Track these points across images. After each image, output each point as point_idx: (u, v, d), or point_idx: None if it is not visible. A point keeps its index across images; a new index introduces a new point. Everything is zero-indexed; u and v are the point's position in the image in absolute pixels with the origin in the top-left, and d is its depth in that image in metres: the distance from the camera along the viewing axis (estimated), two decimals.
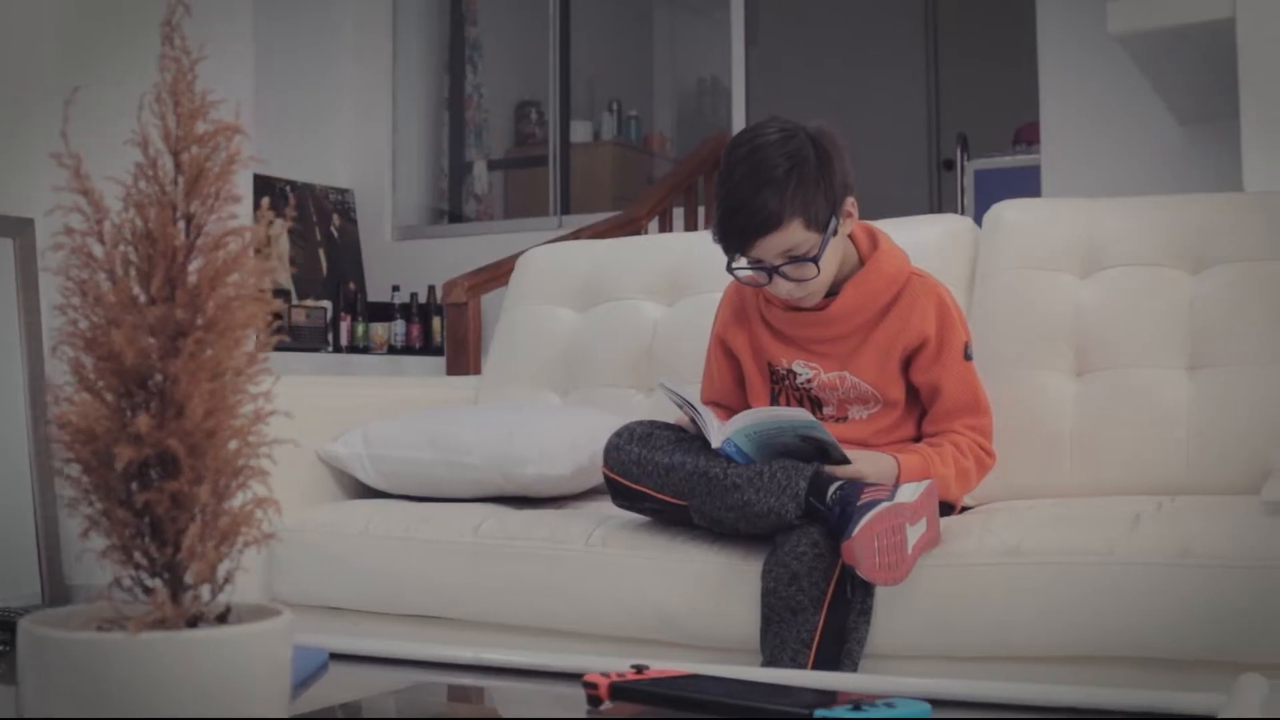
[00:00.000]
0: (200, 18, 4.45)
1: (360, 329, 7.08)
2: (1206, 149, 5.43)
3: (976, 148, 7.56)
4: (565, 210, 7.90)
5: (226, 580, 1.19)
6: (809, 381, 2.90)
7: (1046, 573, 2.45)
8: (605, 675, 1.57)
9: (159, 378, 1.16)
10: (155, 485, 1.13)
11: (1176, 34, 4.26)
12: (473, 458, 3.15)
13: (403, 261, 7.44)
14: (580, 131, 8.43)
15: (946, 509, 2.86)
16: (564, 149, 8.13)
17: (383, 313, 7.16)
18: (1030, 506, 2.86)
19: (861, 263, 2.90)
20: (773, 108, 8.62)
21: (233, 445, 1.18)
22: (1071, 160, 6.01)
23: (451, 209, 8.19)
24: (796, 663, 2.46)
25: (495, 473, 3.13)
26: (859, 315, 2.87)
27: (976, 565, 2.51)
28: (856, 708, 1.39)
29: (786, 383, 2.93)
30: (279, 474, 3.14)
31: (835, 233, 2.77)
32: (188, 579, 1.16)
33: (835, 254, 2.81)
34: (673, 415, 2.86)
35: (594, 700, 1.56)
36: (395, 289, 7.23)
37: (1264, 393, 2.99)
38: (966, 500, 3.07)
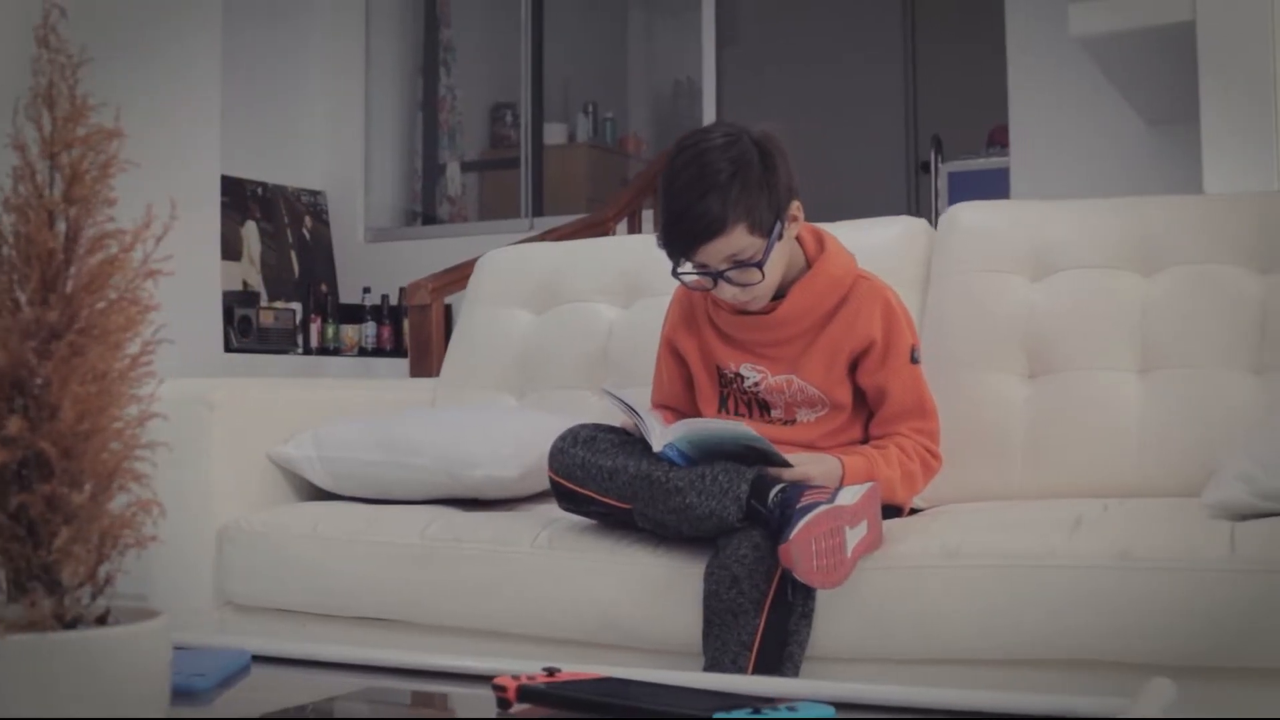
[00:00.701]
0: (167, 20, 4.46)
1: (331, 330, 7.07)
2: (1174, 150, 5.43)
3: (952, 150, 7.57)
4: (538, 212, 7.89)
5: (108, 582, 1.18)
6: (756, 385, 2.89)
7: (986, 575, 2.44)
8: (515, 678, 1.56)
9: (37, 381, 1.15)
10: (31, 488, 1.12)
11: (1138, 36, 4.27)
12: (421, 459, 3.14)
13: (375, 263, 7.43)
14: (554, 133, 8.42)
15: (894, 512, 2.85)
16: (536, 151, 8.12)
17: (353, 314, 7.16)
18: (974, 509, 2.86)
19: (808, 265, 2.89)
20: (749, 109, 8.66)
21: (115, 447, 1.16)
22: (1040, 162, 6.02)
23: (425, 211, 8.18)
24: (737, 665, 2.46)
25: (444, 475, 3.12)
26: (806, 318, 2.86)
27: (917, 568, 2.50)
28: (756, 711, 1.38)
29: (734, 386, 2.93)
30: (228, 476, 3.17)
31: (780, 237, 2.77)
32: (65, 581, 1.15)
33: (781, 258, 2.81)
34: (620, 419, 2.85)
35: (503, 703, 1.55)
36: (366, 291, 7.22)
37: (1214, 395, 2.99)
38: (917, 502, 3.07)
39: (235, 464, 3.29)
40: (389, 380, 5.36)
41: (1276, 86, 3.92)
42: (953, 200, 7.10)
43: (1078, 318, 3.15)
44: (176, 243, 4.55)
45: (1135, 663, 2.34)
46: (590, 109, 8.68)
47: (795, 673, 2.49)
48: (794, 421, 2.90)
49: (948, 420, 3.05)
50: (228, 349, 6.12)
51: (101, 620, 1.19)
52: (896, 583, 2.51)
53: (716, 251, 2.72)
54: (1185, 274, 3.10)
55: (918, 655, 2.49)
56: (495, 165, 8.44)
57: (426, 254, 6.75)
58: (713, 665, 2.49)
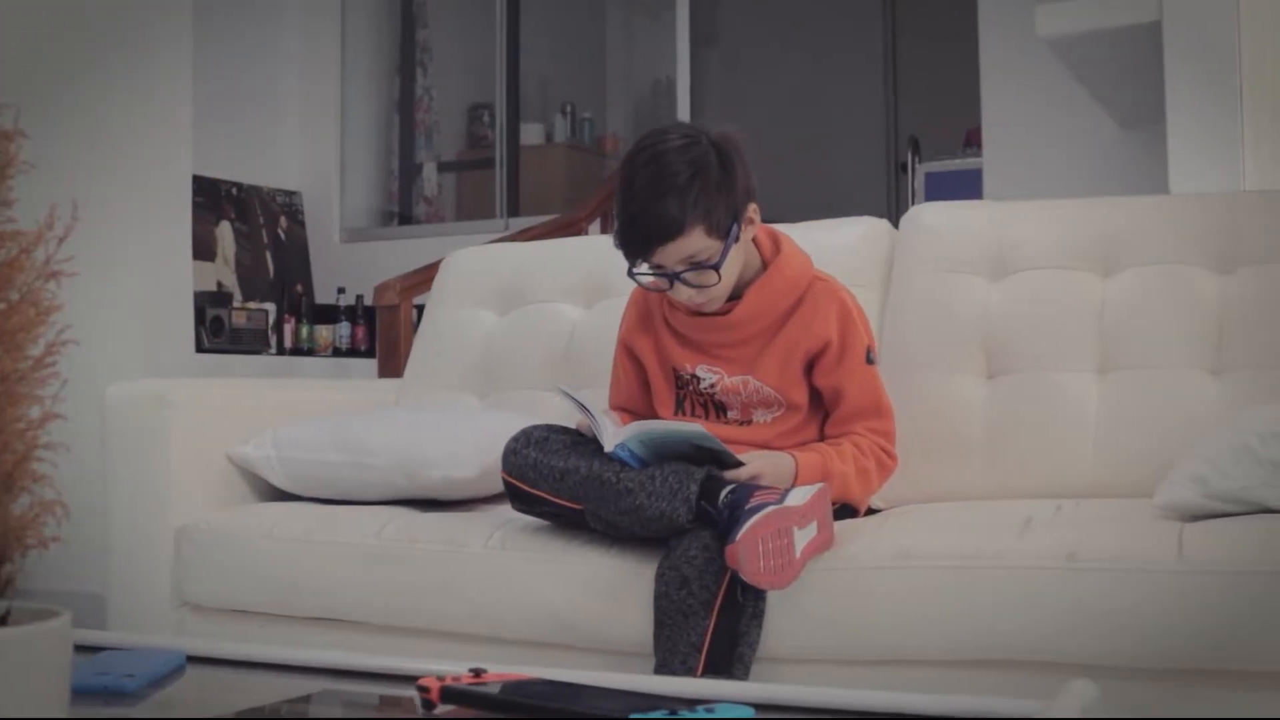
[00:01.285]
0: (138, 19, 4.45)
1: (305, 331, 7.06)
2: (1146, 151, 5.42)
3: (931, 150, 7.57)
4: (514, 212, 7.88)
5: (9, 583, 1.17)
6: (712, 386, 2.89)
7: (936, 577, 2.44)
8: (440, 679, 1.56)
9: None
10: None
11: (1106, 37, 4.28)
12: (379, 460, 3.13)
13: (350, 264, 7.42)
14: (532, 134, 8.41)
15: (851, 512, 2.85)
16: (512, 151, 8.11)
17: (328, 315, 7.15)
18: (928, 510, 2.86)
19: (765, 267, 2.89)
20: (730, 109, 8.67)
21: (17, 448, 1.15)
22: (1013, 163, 6.02)
23: (401, 211, 8.17)
24: (687, 666, 2.45)
25: (402, 475, 3.11)
26: (762, 320, 2.86)
27: (868, 569, 2.50)
28: (673, 712, 1.38)
29: (691, 387, 2.92)
30: (187, 476, 3.16)
31: (737, 239, 2.76)
32: None
33: (737, 260, 2.81)
34: (577, 419, 2.84)
35: (427, 704, 1.54)
36: (340, 291, 7.20)
37: (1172, 396, 2.99)
38: (876, 503, 3.07)
39: (194, 464, 3.28)
40: (352, 381, 5.36)
41: (1242, 87, 3.92)
42: (930, 201, 7.13)
43: (1037, 318, 3.15)
44: (146, 243, 4.57)
45: (1085, 664, 2.34)
46: (568, 109, 8.67)
47: (745, 674, 2.48)
48: (750, 422, 2.90)
49: (906, 420, 3.05)
50: (199, 349, 6.10)
51: (2, 621, 1.18)
52: (848, 584, 2.50)
53: (673, 253, 2.72)
54: (1145, 274, 3.10)
55: (869, 656, 2.49)
56: (472, 166, 8.43)
57: (402, 254, 6.73)
58: (663, 666, 2.48)
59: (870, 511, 3.02)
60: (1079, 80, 5.02)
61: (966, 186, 6.59)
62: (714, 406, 2.91)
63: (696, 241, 2.71)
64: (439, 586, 2.83)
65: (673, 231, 2.69)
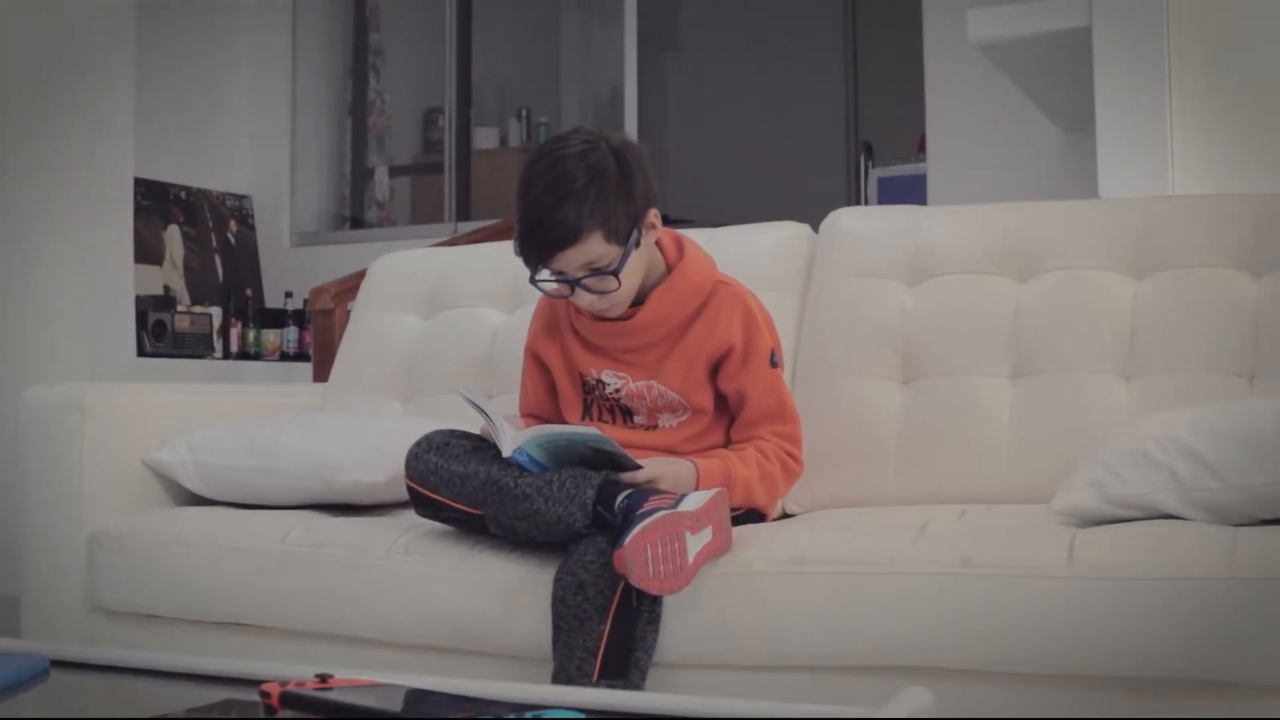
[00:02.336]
0: (79, 23, 4.41)
1: (251, 335, 7.04)
2: (1090, 156, 5.42)
3: (888, 155, 7.57)
4: (464, 216, 7.86)
5: None
6: (618, 391, 2.88)
7: (829, 582, 2.43)
8: (283, 684, 1.54)
9: None
10: None
11: (1039, 42, 4.28)
12: (289, 465, 3.12)
13: (301, 268, 7.39)
14: (486, 138, 8.39)
15: (759, 517, 2.85)
16: (462, 155, 8.09)
17: (276, 319, 7.12)
18: (829, 515, 2.87)
19: (669, 271, 2.88)
20: (692, 114, 8.65)
21: None
22: (957, 169, 6.02)
23: (354, 215, 8.15)
24: (582, 672, 2.44)
25: (313, 480, 3.10)
26: (665, 324, 2.85)
27: (763, 574, 2.49)
28: (499, 717, 1.37)
29: (597, 393, 2.91)
30: (101, 481, 3.14)
31: (637, 245, 2.75)
32: None
33: (638, 265, 2.80)
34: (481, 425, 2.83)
35: (268, 709, 1.53)
36: (288, 295, 7.18)
37: (1084, 401, 2.99)
38: (791, 508, 3.06)
39: (109, 469, 3.27)
40: (275, 385, 5.35)
41: (1171, 92, 3.92)
42: (883, 205, 7.14)
43: (952, 323, 3.14)
44: (86, 246, 4.54)
45: (977, 670, 2.35)
46: (523, 113, 8.65)
47: (642, 679, 2.47)
48: (656, 427, 2.89)
49: (822, 426, 3.05)
50: (141, 354, 6.08)
51: None
52: (743, 589, 2.50)
53: (572, 259, 2.71)
54: (1060, 279, 3.10)
55: (765, 662, 2.48)
56: (425, 170, 8.41)
57: (352, 258, 6.69)
58: (560, 671, 2.47)
59: (785, 517, 3.02)
60: (1018, 86, 5.01)
61: (918, 192, 6.58)
62: (620, 411, 2.90)
63: (595, 248, 2.70)
64: (343, 591, 2.82)
65: (570, 238, 2.68)
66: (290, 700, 1.51)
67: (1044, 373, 3.04)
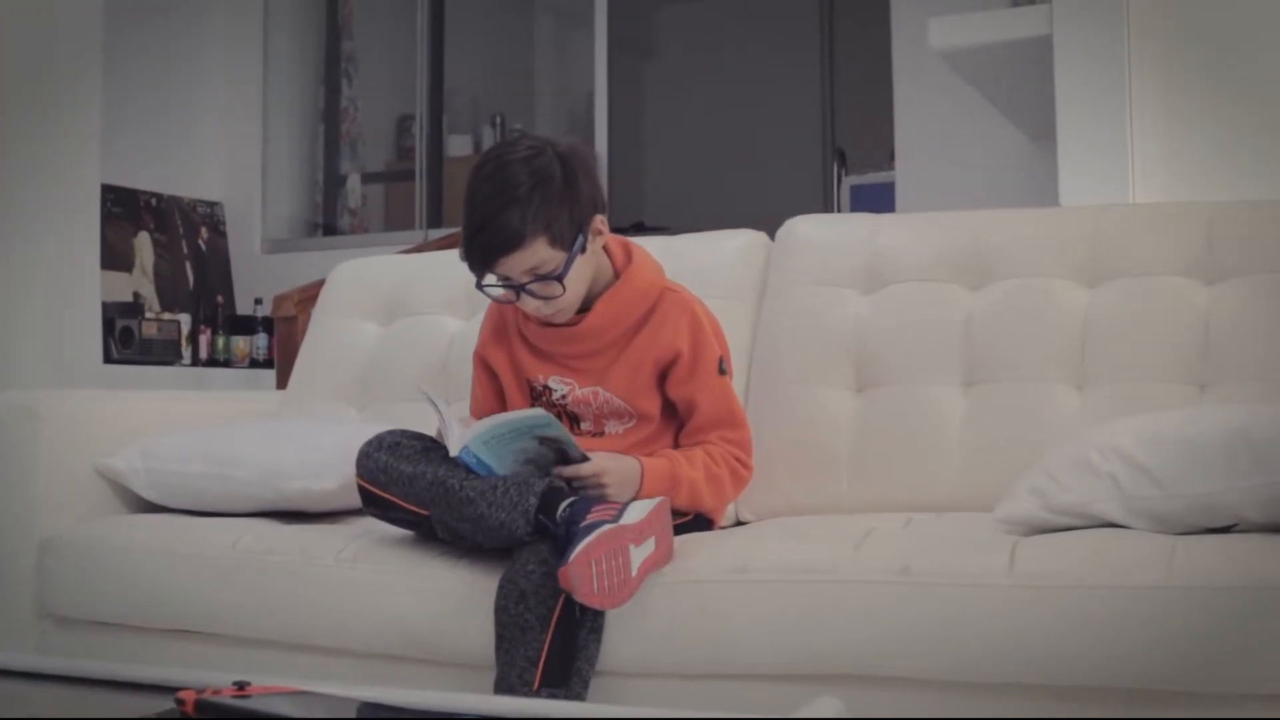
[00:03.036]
0: (45, 28, 4.39)
1: (221, 342, 7.03)
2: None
3: (863, 164, 7.57)
4: (435, 223, 7.86)
5: None
6: (564, 397, 2.88)
7: (772, 590, 2.43)
8: (200, 691, 1.54)
9: None
10: None
11: (1000, 50, 4.29)
12: (241, 472, 3.11)
13: (272, 274, 7.37)
14: (460, 145, 8.38)
15: (707, 523, 2.85)
16: (434, 162, 8.09)
17: (246, 326, 7.11)
18: (778, 523, 2.87)
19: (616, 277, 2.88)
20: (669, 121, 8.63)
21: None
22: (926, 177, 6.04)
23: (326, 222, 8.14)
24: (524, 681, 2.44)
25: (265, 487, 3.09)
26: (612, 331, 2.85)
27: (706, 582, 2.49)
28: None
29: (544, 399, 2.91)
30: (54, 488, 3.13)
31: (583, 250, 2.75)
32: None
33: (584, 271, 2.80)
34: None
35: (184, 717, 1.53)
36: (258, 302, 7.17)
37: (1036, 409, 3.00)
38: (745, 516, 3.07)
39: (62, 477, 3.26)
40: (233, 392, 5.35)
41: (1131, 100, 3.93)
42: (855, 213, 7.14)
43: (905, 331, 3.15)
44: (53, 253, 4.53)
45: (919, 679, 2.35)
46: (497, 120, 8.64)
47: (584, 688, 2.47)
48: (603, 433, 2.89)
49: (775, 434, 3.06)
50: (108, 360, 6.07)
51: None
52: (686, 598, 2.49)
53: (516, 264, 2.71)
54: (1013, 287, 3.10)
55: (708, 670, 2.48)
56: (397, 177, 8.40)
57: (324, 265, 6.62)
58: (501, 680, 2.47)
59: (739, 524, 3.03)
60: (983, 94, 5.02)
61: (889, 199, 6.60)
62: (567, 417, 2.90)
63: (539, 253, 2.70)
64: (291, 599, 2.82)
65: (514, 243, 2.68)
66: (205, 708, 1.50)
67: (996, 381, 3.04)
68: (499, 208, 2.68)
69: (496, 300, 2.85)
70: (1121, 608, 2.22)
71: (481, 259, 2.73)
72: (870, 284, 3.22)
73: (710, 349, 2.86)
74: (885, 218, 3.43)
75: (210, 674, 1.67)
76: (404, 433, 2.77)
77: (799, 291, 3.27)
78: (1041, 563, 2.31)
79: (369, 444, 2.74)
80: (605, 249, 2.87)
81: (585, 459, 2.64)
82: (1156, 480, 2.39)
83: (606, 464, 2.66)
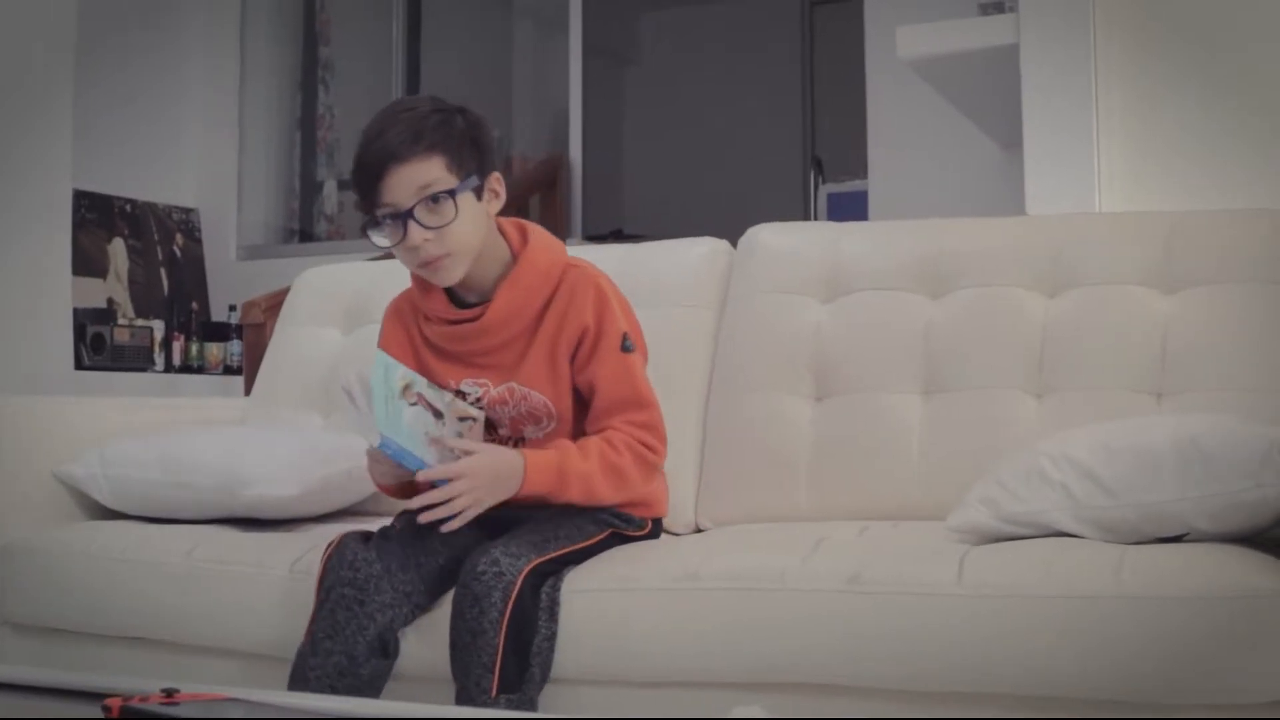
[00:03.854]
0: (17, 33, 4.37)
1: (194, 348, 7.02)
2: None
3: (843, 171, 7.58)
4: None
5: None
6: (479, 400, 2.77)
7: (721, 598, 2.43)
8: (128, 698, 1.53)
9: None
10: None
11: (968, 59, 4.28)
12: (199, 478, 3.10)
13: (247, 281, 7.35)
14: None
15: (624, 520, 2.80)
16: None
17: (219, 332, 7.10)
18: (731, 531, 2.87)
19: (514, 261, 2.75)
20: (649, 127, 8.60)
21: None
22: (898, 185, 6.04)
23: (303, 228, 8.13)
24: (481, 688, 2.43)
25: (223, 493, 3.08)
26: (517, 319, 2.72)
27: (657, 590, 2.49)
28: None
29: None
30: (12, 494, 3.12)
31: (480, 195, 2.65)
32: None
33: (479, 221, 2.65)
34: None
35: None
36: (232, 309, 7.16)
37: (994, 418, 2.99)
38: (705, 523, 3.06)
39: (20, 483, 3.26)
40: (198, 399, 5.32)
41: (1097, 109, 3.93)
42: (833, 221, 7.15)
43: (865, 340, 3.14)
44: (25, 259, 4.51)
45: (868, 687, 2.35)
46: None
47: (537, 692, 2.47)
48: (522, 440, 2.77)
49: (734, 441, 3.08)
50: (79, 366, 6.05)
51: None
52: (639, 605, 2.49)
53: (408, 179, 2.56)
54: (972, 296, 3.10)
55: (660, 678, 2.48)
56: None
57: (298, 271, 6.67)
58: (461, 689, 2.46)
59: (697, 531, 3.03)
60: (953, 103, 5.02)
61: (865, 207, 6.61)
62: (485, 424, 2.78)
63: (433, 170, 2.57)
64: (246, 608, 2.81)
65: (407, 151, 2.56)
66: (130, 715, 1.50)
67: (955, 390, 3.04)
68: (394, 122, 2.58)
69: (382, 245, 2.67)
70: (1069, 617, 2.22)
71: (374, 170, 2.57)
72: (831, 292, 3.22)
73: (614, 324, 2.73)
74: (847, 226, 3.43)
75: (143, 681, 1.66)
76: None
77: (760, 300, 3.26)
78: (990, 572, 2.30)
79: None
80: (502, 232, 2.75)
81: (457, 457, 2.58)
82: (1108, 489, 2.39)
83: (476, 464, 2.56)
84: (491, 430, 2.80)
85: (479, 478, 2.57)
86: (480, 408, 2.76)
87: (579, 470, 2.63)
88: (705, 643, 2.43)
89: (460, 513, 2.57)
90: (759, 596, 2.40)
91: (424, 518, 2.58)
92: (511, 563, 2.45)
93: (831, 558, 2.44)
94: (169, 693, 1.56)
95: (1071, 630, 2.21)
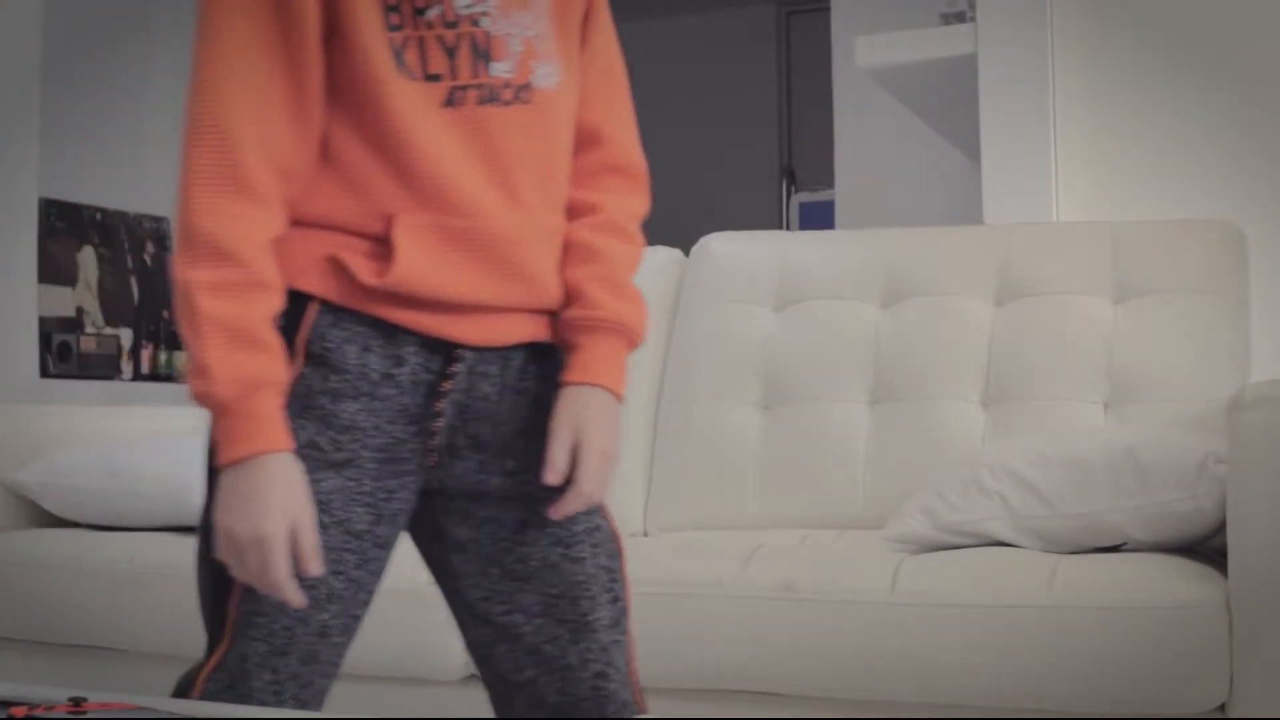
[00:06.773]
0: None
1: (163, 357, 6.99)
2: None
3: (814, 181, 7.57)
4: None
5: None
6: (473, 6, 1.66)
7: (657, 604, 2.42)
8: (33, 707, 1.52)
9: None
10: None
11: (928, 68, 4.28)
12: (146, 486, 3.10)
13: None
14: None
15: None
16: None
17: None
18: (675, 538, 2.86)
19: None
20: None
21: None
22: (865, 195, 6.02)
23: None
24: None
25: (170, 501, 3.08)
26: None
27: None
28: None
29: (428, 20, 1.64)
30: None
31: None
32: None
33: None
34: None
35: None
36: None
37: (941, 427, 2.99)
38: (652, 530, 3.06)
39: None
40: (159, 408, 5.30)
41: (1054, 119, 3.93)
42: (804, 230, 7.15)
43: (813, 349, 3.13)
44: None
45: (802, 695, 2.35)
46: None
47: None
48: (528, 88, 1.69)
49: (683, 449, 3.09)
50: (44, 375, 6.03)
51: None
52: None
53: None
54: (921, 305, 3.10)
55: None
56: None
57: None
58: None
59: (644, 536, 3.03)
60: (915, 113, 5.02)
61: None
62: (472, 54, 1.65)
63: None
64: (188, 614, 2.78)
65: None
66: None
67: (902, 399, 3.03)
68: None
69: None
70: (1000, 627, 2.22)
71: None
72: (781, 301, 3.21)
73: None
74: (798, 235, 3.43)
75: (52, 690, 1.65)
76: None
77: (710, 309, 3.26)
78: (923, 581, 2.31)
79: None
80: None
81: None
82: (1045, 499, 2.39)
83: (592, 457, 1.73)
84: (484, 61, 1.65)
85: (607, 458, 1.77)
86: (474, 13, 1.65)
87: (631, 330, 1.82)
88: (643, 648, 2.41)
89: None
90: (695, 602, 2.41)
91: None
92: None
93: (769, 565, 2.44)
94: (76, 701, 1.55)
95: (1002, 639, 2.22)
